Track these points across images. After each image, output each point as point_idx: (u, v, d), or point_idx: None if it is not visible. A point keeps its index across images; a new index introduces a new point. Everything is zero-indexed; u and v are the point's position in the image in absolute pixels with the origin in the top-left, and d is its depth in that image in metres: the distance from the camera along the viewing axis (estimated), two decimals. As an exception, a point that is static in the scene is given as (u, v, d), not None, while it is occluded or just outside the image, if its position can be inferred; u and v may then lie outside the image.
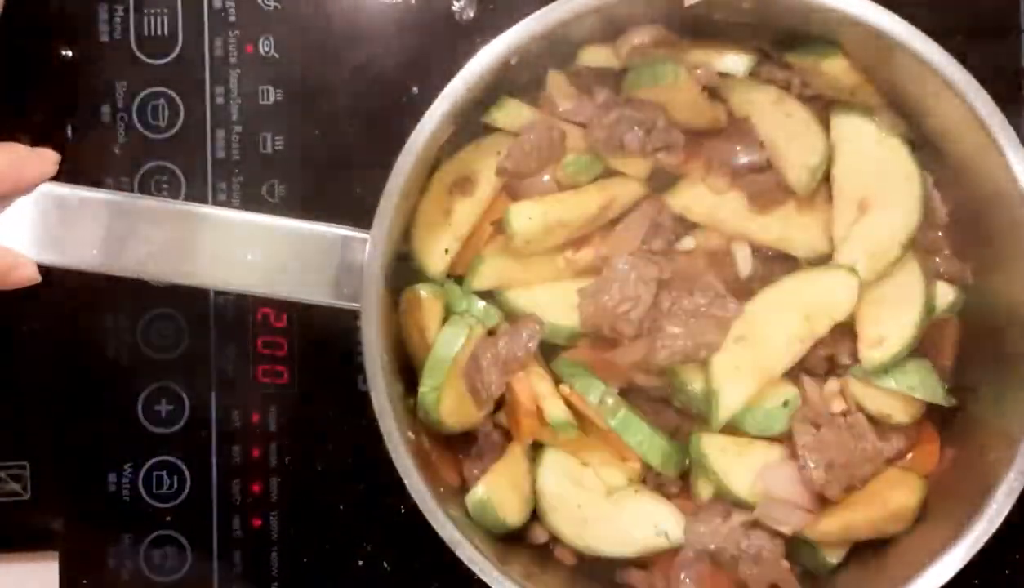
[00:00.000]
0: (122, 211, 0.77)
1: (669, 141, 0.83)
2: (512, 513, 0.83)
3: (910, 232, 0.83)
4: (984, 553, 0.77)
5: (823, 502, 0.83)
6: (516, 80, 0.84)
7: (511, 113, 0.85)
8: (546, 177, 0.85)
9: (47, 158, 0.77)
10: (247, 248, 0.77)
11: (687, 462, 0.85)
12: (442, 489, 0.80)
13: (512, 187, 0.85)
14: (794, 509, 0.82)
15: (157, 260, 0.77)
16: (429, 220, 0.84)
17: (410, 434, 0.79)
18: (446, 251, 0.84)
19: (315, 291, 0.78)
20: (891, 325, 0.83)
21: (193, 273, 0.77)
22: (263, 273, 0.78)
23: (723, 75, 0.84)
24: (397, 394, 0.80)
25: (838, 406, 0.84)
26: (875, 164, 0.83)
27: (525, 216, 0.82)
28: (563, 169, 0.84)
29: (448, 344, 0.82)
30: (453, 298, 0.85)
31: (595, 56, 0.85)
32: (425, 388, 0.82)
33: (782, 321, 0.83)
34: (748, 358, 0.82)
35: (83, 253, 0.77)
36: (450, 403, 0.82)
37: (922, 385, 0.83)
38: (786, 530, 0.82)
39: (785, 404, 0.83)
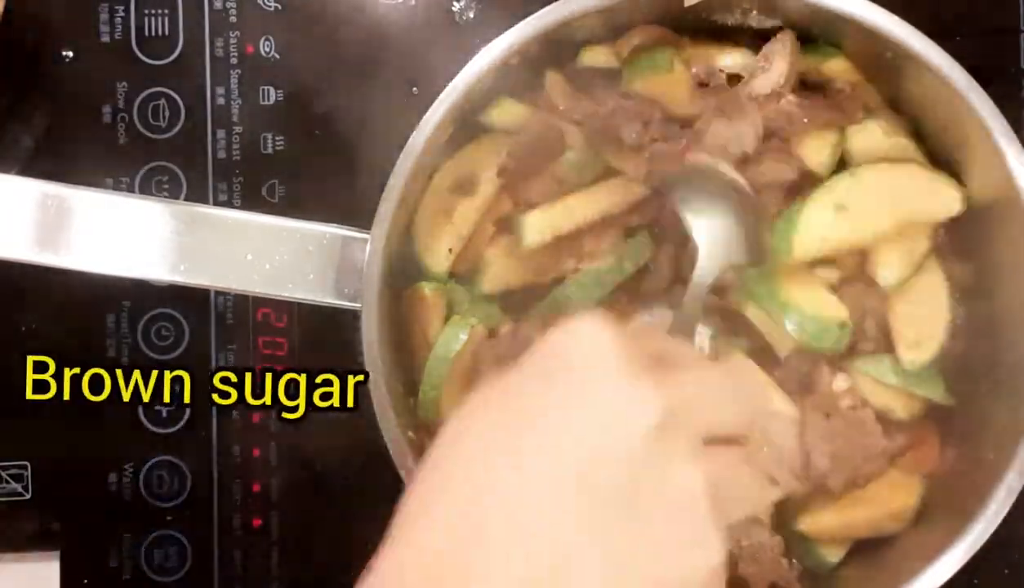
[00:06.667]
0: (122, 211, 0.77)
1: (667, 132, 0.84)
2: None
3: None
4: (984, 552, 0.77)
5: (823, 496, 0.83)
6: (516, 80, 0.84)
7: (509, 113, 0.85)
8: (547, 176, 0.85)
9: None
10: (247, 248, 0.78)
11: None
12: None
13: (513, 186, 0.85)
14: (782, 464, 0.82)
15: (157, 260, 0.77)
16: (430, 220, 0.84)
17: (410, 434, 0.79)
18: (450, 251, 0.84)
19: (315, 291, 0.79)
20: (925, 325, 0.83)
21: (193, 273, 0.77)
22: (263, 273, 0.78)
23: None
24: (397, 394, 0.80)
25: (849, 400, 0.84)
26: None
27: (537, 229, 0.83)
28: (563, 167, 0.84)
29: (449, 344, 0.82)
30: (456, 298, 0.85)
31: (596, 56, 0.85)
32: (426, 388, 0.82)
33: (877, 203, 0.82)
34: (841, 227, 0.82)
35: (83, 253, 0.77)
36: (451, 404, 0.82)
37: (923, 382, 0.83)
38: (772, 482, 0.81)
39: (841, 326, 0.82)
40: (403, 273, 0.83)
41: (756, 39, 0.84)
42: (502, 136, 0.85)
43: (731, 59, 0.84)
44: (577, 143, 0.85)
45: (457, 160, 0.85)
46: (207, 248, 0.78)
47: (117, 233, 0.77)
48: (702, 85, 0.85)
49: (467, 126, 0.83)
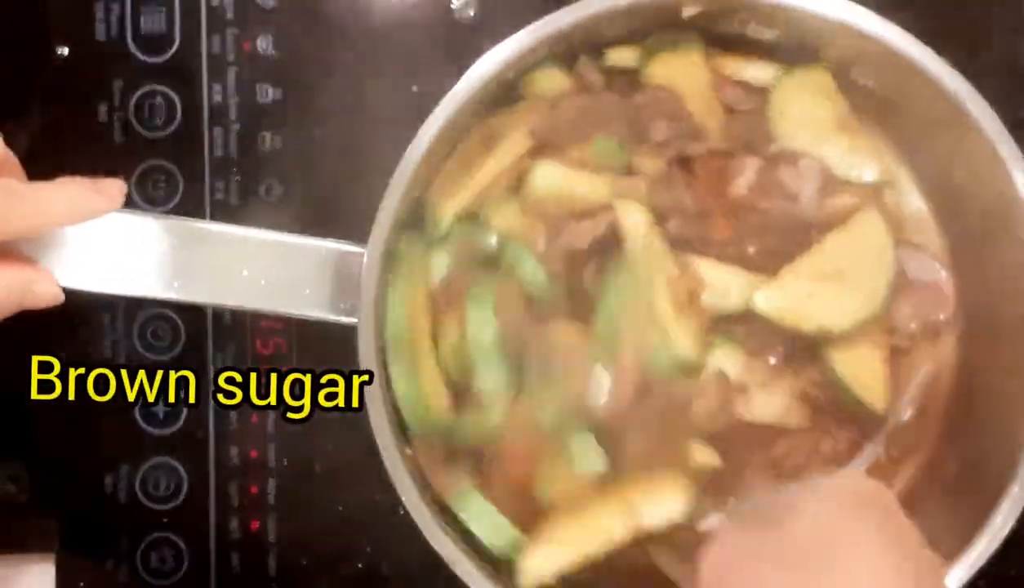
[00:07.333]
0: (116, 225, 0.76)
1: (693, 130, 0.83)
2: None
3: None
4: (988, 565, 0.77)
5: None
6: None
7: (552, 80, 0.84)
8: (575, 154, 0.83)
9: (111, 193, 0.73)
10: (242, 263, 0.77)
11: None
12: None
13: (538, 155, 0.84)
14: None
15: (151, 277, 0.76)
16: (450, 174, 0.83)
17: (408, 450, 0.79)
18: (456, 198, 0.83)
19: (311, 306, 0.78)
20: None
21: (188, 290, 0.76)
22: (259, 289, 0.77)
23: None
24: (395, 409, 0.80)
25: None
26: None
27: (550, 176, 0.82)
28: (590, 148, 0.83)
29: (482, 327, 0.80)
30: (467, 232, 0.83)
31: (621, 57, 0.85)
32: (488, 385, 0.80)
33: None
34: None
35: (76, 271, 0.75)
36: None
37: None
38: None
39: None
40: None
41: (780, 54, 0.84)
42: (536, 102, 0.84)
43: (761, 72, 0.84)
44: (609, 129, 0.84)
45: (488, 123, 0.84)
46: (202, 264, 0.76)
47: (111, 250, 0.75)
48: (729, 110, 0.84)
49: (502, 93, 0.83)
